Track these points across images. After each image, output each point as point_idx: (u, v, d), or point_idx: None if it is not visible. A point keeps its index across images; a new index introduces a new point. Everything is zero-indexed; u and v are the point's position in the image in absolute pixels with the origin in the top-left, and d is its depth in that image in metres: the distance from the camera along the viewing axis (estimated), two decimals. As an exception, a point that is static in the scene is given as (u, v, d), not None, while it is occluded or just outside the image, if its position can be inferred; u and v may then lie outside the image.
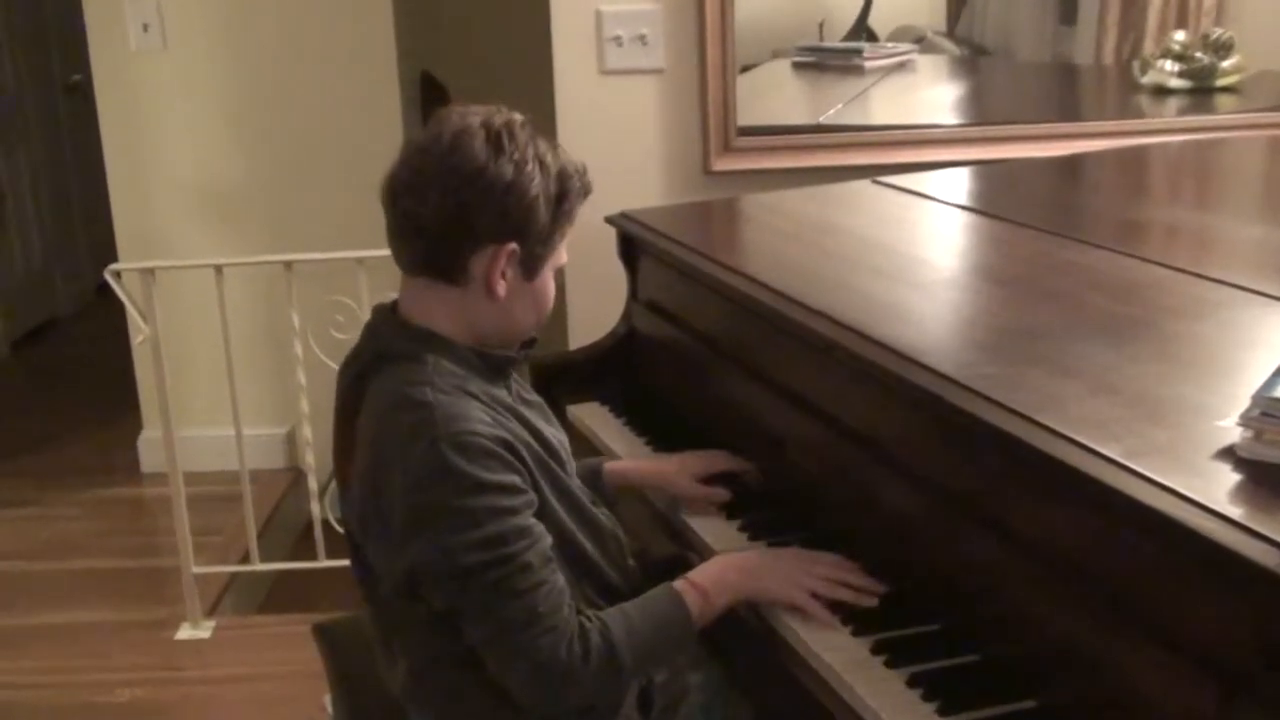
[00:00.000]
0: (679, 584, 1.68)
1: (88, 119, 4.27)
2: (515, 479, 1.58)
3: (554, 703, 1.60)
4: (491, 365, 1.68)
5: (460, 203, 1.59)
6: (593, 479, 1.96)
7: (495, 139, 1.60)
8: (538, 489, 1.63)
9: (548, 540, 1.60)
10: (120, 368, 4.27)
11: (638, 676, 1.67)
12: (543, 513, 1.63)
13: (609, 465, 2.03)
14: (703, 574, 1.70)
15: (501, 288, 1.64)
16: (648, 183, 3.04)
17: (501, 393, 1.69)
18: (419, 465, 1.54)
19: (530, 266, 1.66)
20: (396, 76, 4.04)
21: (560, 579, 1.59)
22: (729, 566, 1.73)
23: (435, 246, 1.63)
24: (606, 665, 1.58)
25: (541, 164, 1.62)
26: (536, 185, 1.61)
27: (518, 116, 1.65)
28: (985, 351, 1.75)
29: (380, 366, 1.65)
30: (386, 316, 1.71)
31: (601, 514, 1.81)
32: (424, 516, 1.55)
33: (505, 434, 1.59)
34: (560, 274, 1.74)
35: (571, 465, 1.78)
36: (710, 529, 1.92)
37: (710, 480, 2.00)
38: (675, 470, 2.02)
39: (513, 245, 1.62)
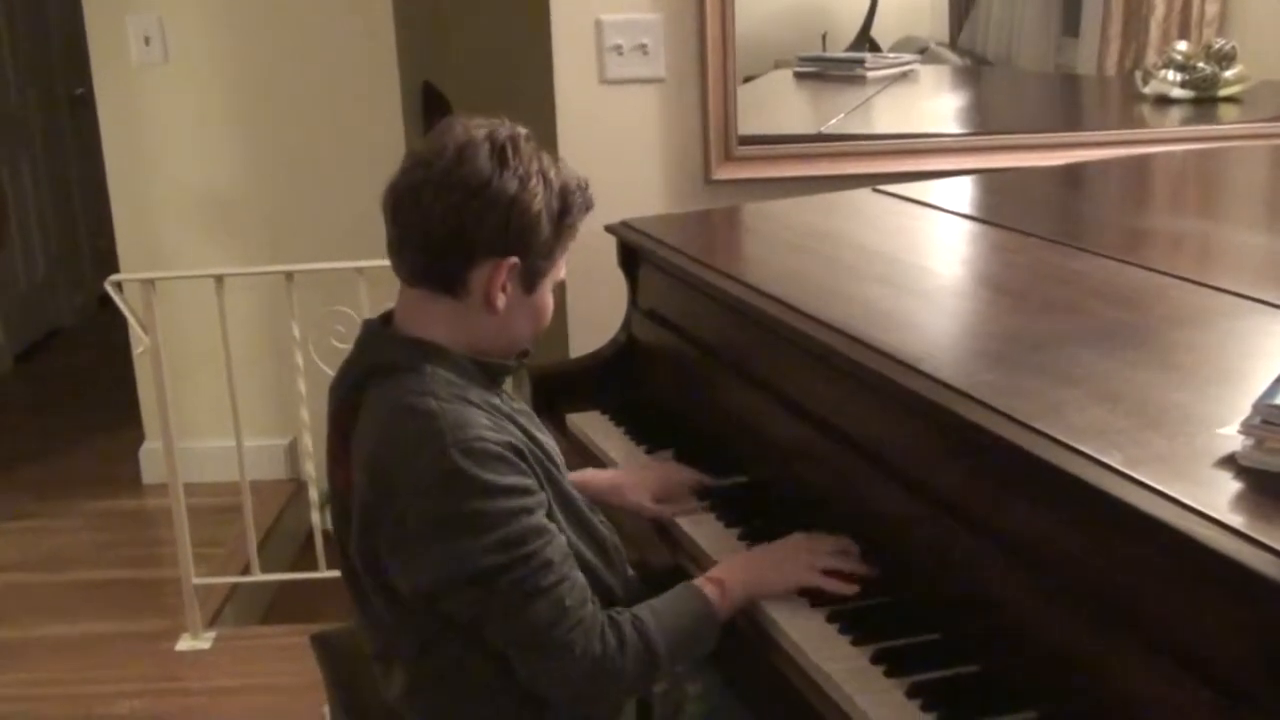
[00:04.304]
0: (697, 580, 1.69)
1: (90, 131, 4.28)
2: (526, 480, 1.58)
3: (595, 697, 1.60)
4: (488, 373, 1.68)
5: (464, 215, 1.58)
6: None
7: (500, 152, 1.59)
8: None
9: (562, 538, 1.60)
10: (122, 379, 4.27)
11: (670, 669, 1.67)
12: (547, 518, 1.62)
13: (570, 477, 2.02)
14: (717, 570, 1.72)
15: (501, 301, 1.63)
16: (648, 191, 3.03)
17: (497, 400, 1.68)
18: (428, 474, 1.53)
19: (530, 281, 1.65)
20: (398, 86, 4.04)
21: (580, 575, 1.60)
22: (738, 565, 1.75)
23: (436, 259, 1.62)
24: (643, 654, 1.58)
25: (545, 179, 1.62)
26: (540, 200, 1.60)
27: (521, 130, 1.65)
28: (986, 359, 1.74)
29: (376, 378, 1.64)
30: (378, 330, 1.70)
31: (600, 522, 1.80)
32: (439, 525, 1.54)
33: (510, 438, 1.59)
34: (560, 284, 1.74)
35: (565, 473, 1.78)
36: (709, 537, 1.91)
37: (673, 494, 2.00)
38: (631, 484, 2.01)
39: (514, 259, 1.61)
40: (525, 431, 1.67)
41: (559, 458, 1.75)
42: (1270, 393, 1.34)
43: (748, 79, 3.20)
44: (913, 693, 1.49)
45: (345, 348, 1.74)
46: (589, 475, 2.05)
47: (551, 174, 1.64)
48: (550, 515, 1.63)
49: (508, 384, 1.77)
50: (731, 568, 1.74)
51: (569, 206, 1.65)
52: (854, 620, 1.64)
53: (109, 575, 3.67)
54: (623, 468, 2.13)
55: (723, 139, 3.04)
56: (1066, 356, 1.67)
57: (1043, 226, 2.33)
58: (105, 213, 4.19)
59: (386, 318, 1.70)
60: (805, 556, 1.72)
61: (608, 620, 1.58)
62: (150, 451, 4.18)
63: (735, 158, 3.06)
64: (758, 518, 1.93)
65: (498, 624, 1.57)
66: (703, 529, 1.94)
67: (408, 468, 1.55)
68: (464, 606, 1.57)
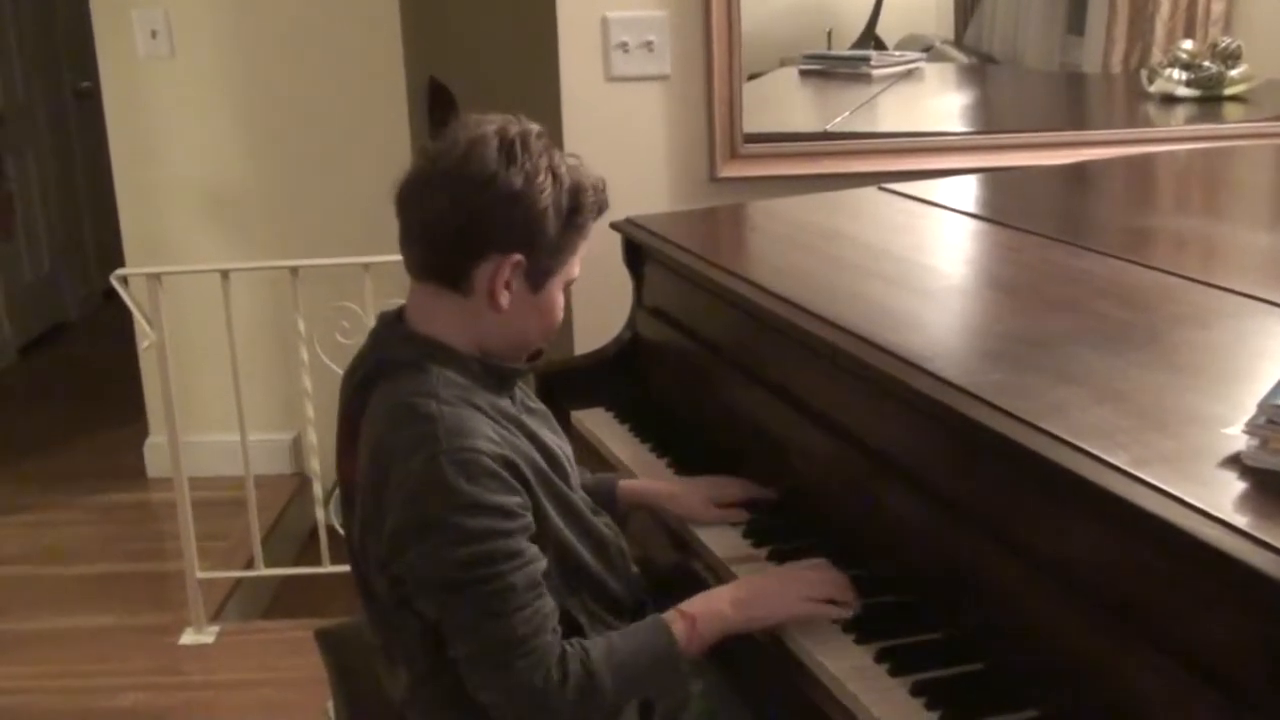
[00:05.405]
0: (668, 614, 1.65)
1: (96, 125, 4.28)
2: (514, 501, 1.56)
3: None
4: (496, 376, 1.67)
5: (468, 210, 1.58)
6: (606, 498, 1.94)
7: (509, 148, 1.59)
8: (537, 503, 1.62)
9: (540, 565, 1.58)
10: (127, 373, 4.27)
11: (620, 704, 1.63)
12: (542, 525, 1.62)
13: (623, 484, 2.01)
14: (694, 605, 1.67)
15: (505, 299, 1.62)
16: (654, 189, 3.03)
17: (505, 403, 1.68)
18: (417, 478, 1.54)
19: (536, 279, 1.64)
20: (404, 82, 4.04)
21: (547, 604, 1.58)
22: (720, 598, 1.69)
23: (442, 254, 1.62)
24: (585, 692, 1.55)
25: (554, 176, 1.61)
26: (547, 197, 1.59)
27: (533, 127, 1.64)
28: (991, 359, 1.74)
29: (384, 374, 1.64)
30: (392, 324, 1.70)
31: (603, 524, 1.80)
32: (417, 528, 1.54)
33: (508, 452, 1.58)
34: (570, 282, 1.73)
35: (575, 476, 1.77)
36: (715, 537, 1.91)
37: (726, 504, 1.97)
38: (689, 492, 1.99)
39: (518, 256, 1.61)
40: (532, 436, 1.67)
41: (568, 461, 1.75)
42: (1275, 393, 1.34)
43: (753, 76, 3.20)
44: (916, 691, 1.50)
45: (350, 343, 1.75)
46: (643, 485, 2.04)
47: (562, 171, 1.62)
48: (547, 521, 1.63)
49: (524, 382, 1.77)
50: (715, 601, 1.68)
51: (579, 205, 1.64)
52: (858, 619, 1.65)
53: (112, 569, 3.67)
54: (676, 481, 2.09)
55: (728, 137, 3.04)
56: (1071, 356, 1.67)
57: (1048, 225, 2.33)
58: (110, 206, 4.19)
59: (402, 311, 1.70)
60: (797, 588, 1.68)
61: (559, 656, 1.55)
62: (154, 445, 4.19)
63: (741, 155, 3.06)
64: (762, 517, 1.93)
65: (452, 635, 1.57)
66: (713, 533, 1.93)
67: (400, 468, 1.55)
68: (429, 608, 1.58)
